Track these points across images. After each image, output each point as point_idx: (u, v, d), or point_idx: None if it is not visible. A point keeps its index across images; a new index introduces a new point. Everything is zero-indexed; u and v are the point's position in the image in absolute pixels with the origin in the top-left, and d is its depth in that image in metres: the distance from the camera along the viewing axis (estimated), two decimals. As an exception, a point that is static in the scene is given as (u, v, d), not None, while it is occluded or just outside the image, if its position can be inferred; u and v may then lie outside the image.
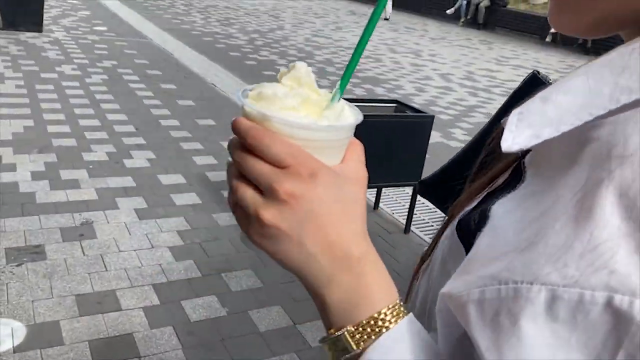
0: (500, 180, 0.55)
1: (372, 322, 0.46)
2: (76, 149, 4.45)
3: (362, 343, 0.46)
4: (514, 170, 0.52)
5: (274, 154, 0.45)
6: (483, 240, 0.44)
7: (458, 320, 0.43)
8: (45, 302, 2.63)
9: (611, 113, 0.37)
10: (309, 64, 0.51)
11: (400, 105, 3.74)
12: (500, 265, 0.39)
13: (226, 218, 3.65)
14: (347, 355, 0.46)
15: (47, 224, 3.30)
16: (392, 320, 0.46)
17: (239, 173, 0.47)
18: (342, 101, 0.50)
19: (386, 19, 16.21)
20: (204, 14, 13.14)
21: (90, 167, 4.16)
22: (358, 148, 0.51)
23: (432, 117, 3.57)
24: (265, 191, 0.45)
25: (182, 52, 8.64)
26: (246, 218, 0.47)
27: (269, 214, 0.45)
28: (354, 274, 0.47)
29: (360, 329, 0.46)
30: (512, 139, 0.42)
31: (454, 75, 9.57)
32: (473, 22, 17.03)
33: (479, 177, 0.60)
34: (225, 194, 3.11)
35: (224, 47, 9.59)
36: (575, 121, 0.39)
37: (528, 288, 0.37)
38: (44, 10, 8.64)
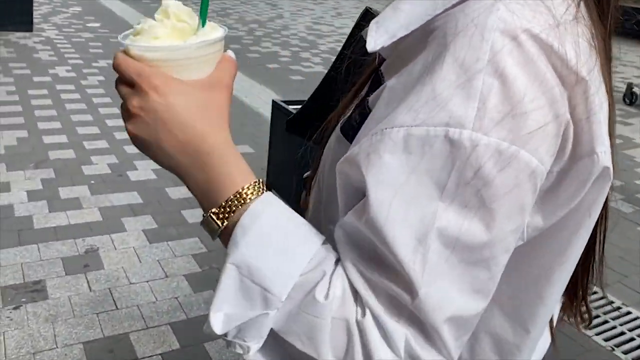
0: (364, 92, 0.70)
1: (235, 200, 0.56)
2: (75, 161, 4.08)
3: (225, 220, 0.57)
4: (373, 80, 0.67)
5: (126, 76, 0.58)
6: (365, 122, 0.58)
7: (352, 180, 0.55)
8: (49, 354, 2.28)
9: (446, 11, 0.54)
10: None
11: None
12: (375, 128, 0.54)
13: (245, 236, 3.30)
14: (217, 232, 0.58)
15: (47, 254, 2.95)
16: (255, 193, 0.57)
17: None
18: (211, 24, 0.61)
19: None
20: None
21: (92, 182, 3.80)
22: (227, 64, 0.63)
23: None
24: (125, 110, 0.59)
25: (180, 47, 8.23)
26: None
27: (130, 126, 0.59)
28: (206, 168, 0.58)
29: (222, 209, 0.57)
30: (374, 42, 0.58)
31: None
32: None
33: (347, 93, 0.76)
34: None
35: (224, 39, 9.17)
36: (420, 21, 0.56)
37: (390, 131, 0.52)
38: (34, 8, 8.21)
